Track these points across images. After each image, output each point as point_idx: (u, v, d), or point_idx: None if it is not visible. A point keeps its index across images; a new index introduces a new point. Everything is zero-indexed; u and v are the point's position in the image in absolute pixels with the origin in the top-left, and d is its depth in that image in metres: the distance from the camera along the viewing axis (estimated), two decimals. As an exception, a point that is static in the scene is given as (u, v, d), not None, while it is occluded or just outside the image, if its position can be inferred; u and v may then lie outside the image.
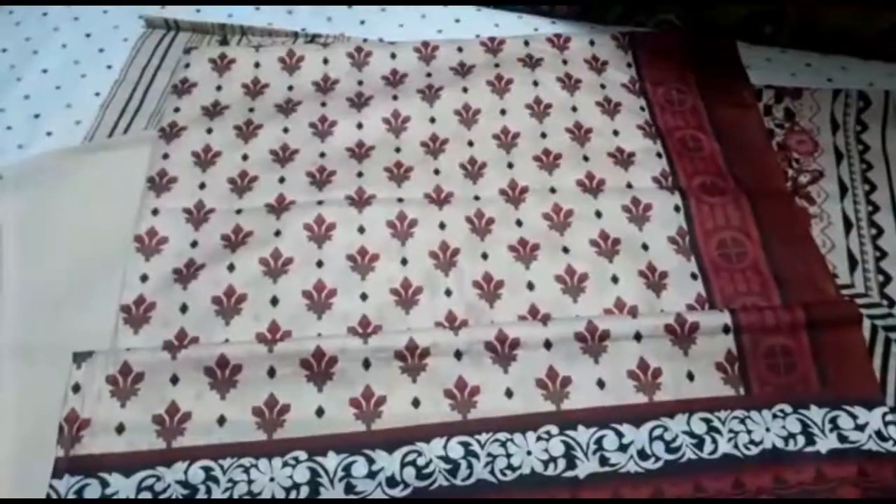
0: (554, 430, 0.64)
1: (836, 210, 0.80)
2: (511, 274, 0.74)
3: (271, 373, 0.66)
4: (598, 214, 0.78)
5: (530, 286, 0.73)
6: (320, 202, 0.78)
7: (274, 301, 0.71)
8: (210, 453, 0.62)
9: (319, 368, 0.66)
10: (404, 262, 0.74)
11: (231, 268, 0.73)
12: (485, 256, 0.75)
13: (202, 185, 0.79)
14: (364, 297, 0.72)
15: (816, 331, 0.69)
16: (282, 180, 0.80)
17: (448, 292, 0.73)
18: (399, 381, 0.66)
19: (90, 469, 0.61)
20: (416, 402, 0.66)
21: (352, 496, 0.61)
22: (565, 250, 0.75)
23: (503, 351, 0.68)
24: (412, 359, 0.67)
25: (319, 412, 0.65)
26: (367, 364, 0.67)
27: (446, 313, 0.71)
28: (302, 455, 0.62)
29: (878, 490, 0.62)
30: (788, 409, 0.66)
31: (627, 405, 0.66)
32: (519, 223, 0.77)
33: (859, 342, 0.69)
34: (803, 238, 0.77)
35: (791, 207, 0.80)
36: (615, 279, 0.74)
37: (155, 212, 0.77)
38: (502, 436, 0.64)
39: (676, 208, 0.78)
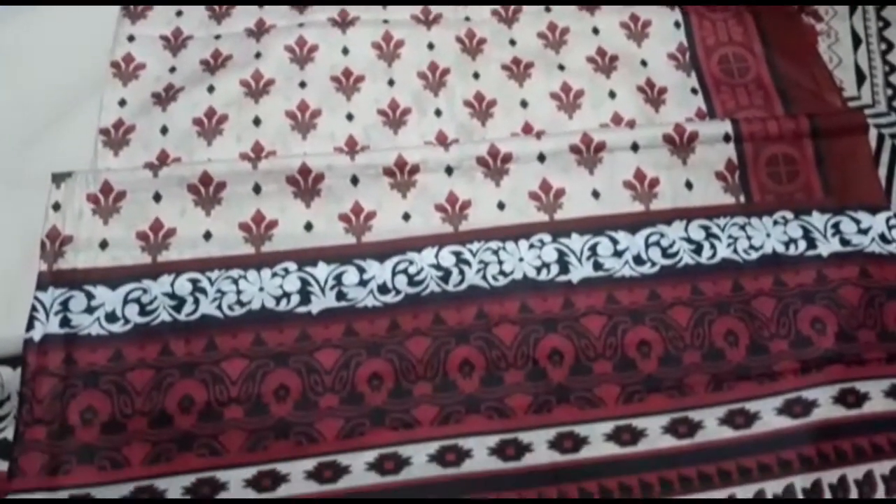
0: (547, 238, 0.63)
1: (845, 26, 0.76)
2: (504, 93, 0.71)
3: (257, 189, 0.64)
4: (595, 31, 0.74)
5: (524, 104, 0.70)
6: (301, 24, 0.74)
7: (256, 121, 0.68)
8: (197, 266, 0.61)
9: (306, 185, 0.64)
10: (391, 83, 0.71)
11: (211, 89, 0.70)
12: (476, 76, 0.72)
13: (179, 13, 0.75)
14: (350, 117, 0.69)
15: (821, 139, 0.66)
16: (260, 5, 0.76)
17: (438, 112, 0.70)
18: (389, 197, 0.65)
19: (75, 282, 0.60)
20: (406, 217, 0.64)
21: (343, 303, 0.60)
22: (561, 68, 0.72)
23: (495, 165, 0.65)
24: (401, 175, 0.65)
25: (308, 226, 0.63)
26: (355, 180, 0.65)
27: (437, 133, 0.69)
28: (292, 266, 0.61)
29: (880, 289, 0.61)
30: (790, 215, 0.64)
31: (623, 214, 0.64)
32: (512, 42, 0.74)
33: (865, 150, 0.67)
34: (809, 52, 0.73)
35: (796, 23, 0.76)
36: (612, 94, 0.70)
37: (131, 38, 0.73)
38: (494, 244, 0.62)
39: (677, 24, 0.74)
